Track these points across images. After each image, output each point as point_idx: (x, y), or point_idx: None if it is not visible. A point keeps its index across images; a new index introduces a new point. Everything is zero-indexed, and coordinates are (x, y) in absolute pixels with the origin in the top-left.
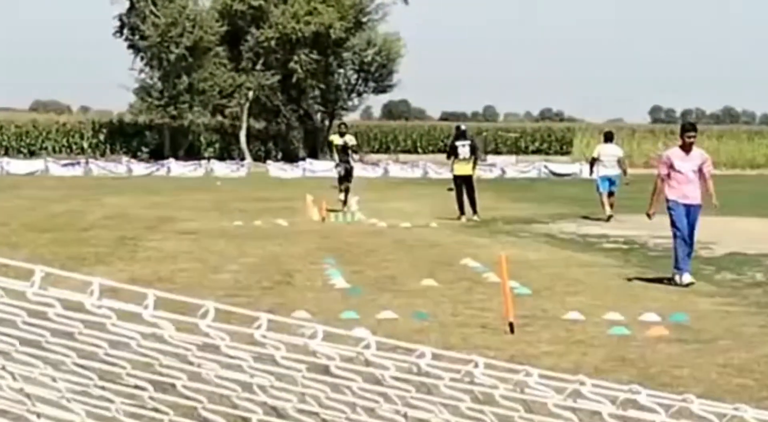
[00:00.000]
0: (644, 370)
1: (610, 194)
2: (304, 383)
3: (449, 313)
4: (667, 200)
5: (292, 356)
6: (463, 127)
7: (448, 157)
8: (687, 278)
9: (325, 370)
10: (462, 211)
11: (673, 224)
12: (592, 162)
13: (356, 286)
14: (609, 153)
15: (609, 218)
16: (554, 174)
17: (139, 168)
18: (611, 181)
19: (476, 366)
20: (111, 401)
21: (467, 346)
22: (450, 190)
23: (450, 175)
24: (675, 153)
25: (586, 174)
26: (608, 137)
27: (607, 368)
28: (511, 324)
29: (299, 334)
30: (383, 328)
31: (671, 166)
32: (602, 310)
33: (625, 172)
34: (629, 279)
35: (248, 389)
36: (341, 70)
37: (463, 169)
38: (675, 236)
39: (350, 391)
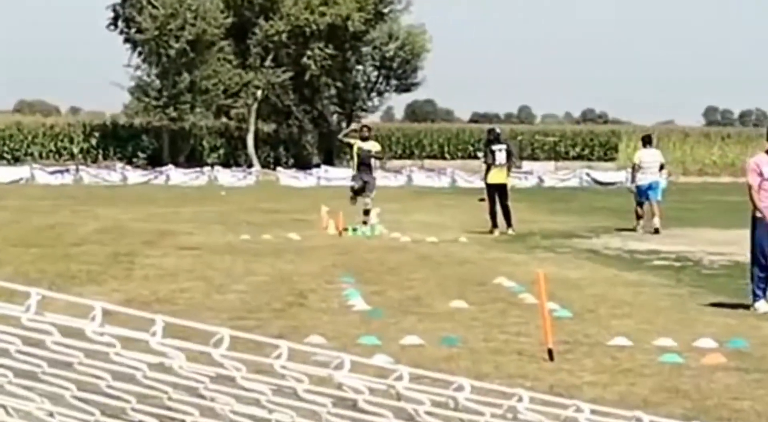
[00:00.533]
0: (699, 402)
1: (654, 203)
2: (330, 419)
3: (481, 338)
4: (754, 217)
5: (316, 389)
6: (497, 130)
7: (486, 164)
8: (763, 306)
9: (353, 405)
10: (495, 224)
11: (753, 245)
12: (634, 169)
13: (377, 308)
14: (650, 159)
15: (635, 228)
16: (597, 182)
17: (135, 175)
18: (653, 189)
19: (520, 400)
20: None
21: (501, 375)
22: (481, 200)
23: (482, 184)
24: (763, 159)
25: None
26: (647, 141)
27: (658, 400)
28: (550, 351)
29: (324, 365)
30: (407, 355)
31: (761, 174)
32: (652, 335)
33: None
34: (687, 302)
35: None
36: (360, 67)
37: (498, 176)
38: (755, 260)
39: None
